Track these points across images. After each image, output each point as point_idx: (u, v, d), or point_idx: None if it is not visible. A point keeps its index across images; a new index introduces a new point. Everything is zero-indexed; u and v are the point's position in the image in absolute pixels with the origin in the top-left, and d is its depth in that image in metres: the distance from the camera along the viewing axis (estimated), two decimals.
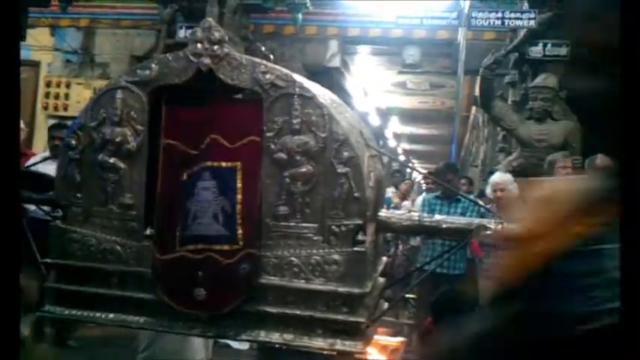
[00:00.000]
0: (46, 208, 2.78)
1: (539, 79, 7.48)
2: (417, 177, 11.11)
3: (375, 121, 16.42)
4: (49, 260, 2.43)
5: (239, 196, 2.25)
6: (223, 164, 2.28)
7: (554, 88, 7.38)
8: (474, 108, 14.30)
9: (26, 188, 2.48)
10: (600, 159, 3.93)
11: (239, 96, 2.44)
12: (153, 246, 2.31)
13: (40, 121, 9.67)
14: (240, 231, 2.24)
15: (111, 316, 2.40)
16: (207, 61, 2.25)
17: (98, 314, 2.41)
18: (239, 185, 2.25)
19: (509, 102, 8.27)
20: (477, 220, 2.44)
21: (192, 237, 2.27)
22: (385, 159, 3.69)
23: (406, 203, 8.58)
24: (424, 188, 10.57)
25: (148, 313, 2.36)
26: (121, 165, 2.36)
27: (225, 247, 2.24)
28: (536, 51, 7.76)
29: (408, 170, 14.82)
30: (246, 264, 2.21)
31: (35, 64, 9.70)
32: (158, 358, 3.59)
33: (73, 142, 2.42)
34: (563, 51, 7.61)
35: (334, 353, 2.22)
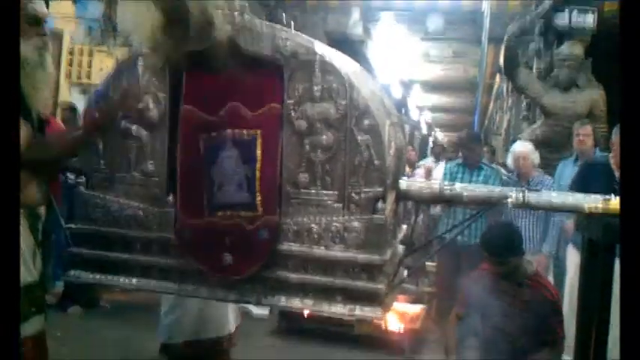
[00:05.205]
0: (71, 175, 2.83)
1: (565, 47, 7.35)
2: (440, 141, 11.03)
3: (397, 89, 16.27)
4: (73, 225, 2.47)
5: (258, 164, 2.26)
6: (244, 132, 2.28)
7: (580, 56, 7.25)
8: (498, 76, 14.13)
9: None
10: None
11: (259, 63, 2.43)
12: (176, 212, 2.34)
13: (64, 89, 9.72)
14: (259, 198, 2.26)
15: (134, 281, 2.44)
16: (227, 28, 2.25)
17: (122, 279, 2.45)
18: (258, 153, 2.27)
19: (534, 70, 8.14)
20: (498, 189, 2.42)
21: (220, 204, 2.29)
22: (407, 127, 3.66)
23: (418, 171, 8.28)
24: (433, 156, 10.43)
25: (171, 278, 2.40)
26: (143, 132, 2.39)
27: (249, 214, 2.26)
28: (561, 19, 7.60)
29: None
30: (265, 230, 2.24)
31: (58, 33, 9.71)
32: (183, 322, 3.65)
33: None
34: (589, 19, 7.45)
35: (353, 319, 2.25)
